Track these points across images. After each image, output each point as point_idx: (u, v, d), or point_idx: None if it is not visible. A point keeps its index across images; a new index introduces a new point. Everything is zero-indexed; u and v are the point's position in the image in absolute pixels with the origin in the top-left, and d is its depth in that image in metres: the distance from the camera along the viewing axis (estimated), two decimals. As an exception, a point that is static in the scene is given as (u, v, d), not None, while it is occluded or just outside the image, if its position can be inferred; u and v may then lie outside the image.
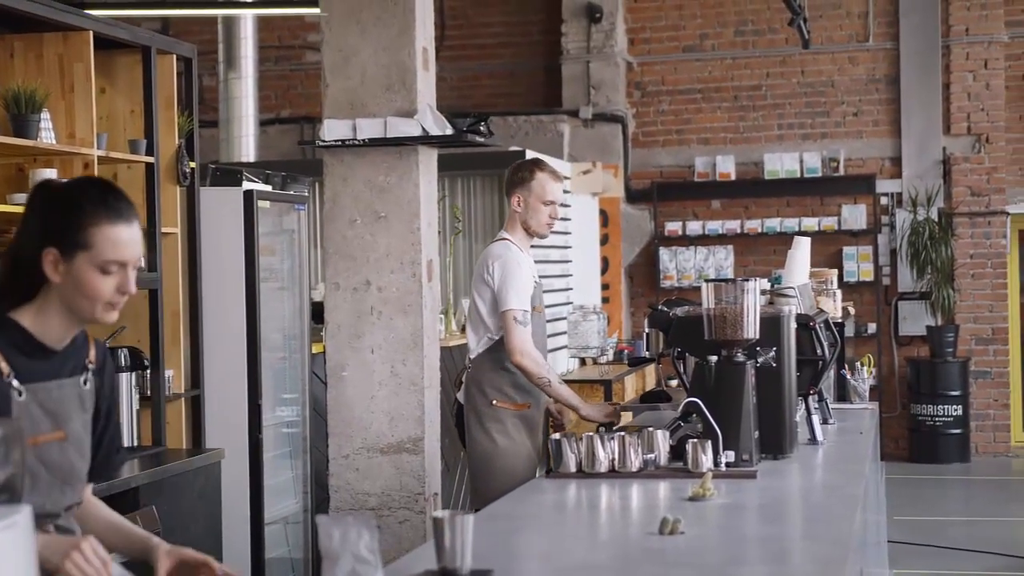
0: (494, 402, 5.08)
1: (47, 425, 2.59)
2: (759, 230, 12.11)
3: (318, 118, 5.38)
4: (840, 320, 6.28)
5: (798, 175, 12.11)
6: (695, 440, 3.97)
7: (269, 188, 6.77)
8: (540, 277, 5.39)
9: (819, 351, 4.78)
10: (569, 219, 10.02)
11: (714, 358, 4.13)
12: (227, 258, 6.13)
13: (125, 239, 2.59)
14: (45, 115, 5.14)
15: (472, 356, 5.14)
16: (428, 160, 5.22)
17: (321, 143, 5.13)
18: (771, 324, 4.28)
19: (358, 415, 5.13)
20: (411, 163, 5.12)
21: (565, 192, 9.21)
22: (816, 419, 4.76)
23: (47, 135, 5.15)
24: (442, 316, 7.85)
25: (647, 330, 5.20)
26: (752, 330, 4.13)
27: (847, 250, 12.01)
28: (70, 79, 5.30)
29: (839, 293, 6.62)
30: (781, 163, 12.13)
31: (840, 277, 10.13)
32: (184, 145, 5.92)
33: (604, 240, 11.79)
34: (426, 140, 5.08)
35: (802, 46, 10.87)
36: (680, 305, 4.75)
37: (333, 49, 5.14)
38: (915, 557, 8.00)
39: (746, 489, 3.81)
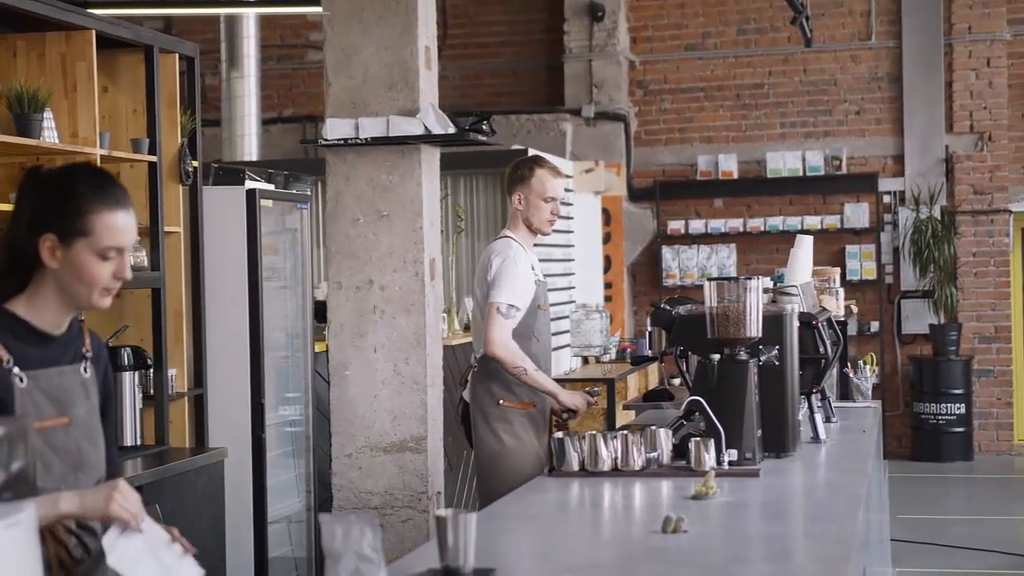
0: (501, 401, 5.08)
1: (51, 411, 2.60)
2: (762, 229, 12.11)
3: (320, 117, 5.38)
4: (843, 318, 6.28)
5: (800, 173, 12.10)
6: (698, 439, 3.97)
7: (272, 187, 6.78)
8: (544, 275, 5.39)
9: (822, 350, 4.78)
10: (572, 218, 10.02)
11: (717, 357, 4.13)
12: (230, 257, 6.13)
13: (123, 225, 2.62)
14: (48, 114, 5.15)
15: (477, 355, 5.13)
16: (431, 159, 5.22)
17: (324, 142, 5.13)
18: (774, 323, 4.28)
19: (361, 414, 5.13)
20: (414, 162, 5.12)
21: (567, 190, 9.23)
22: (819, 417, 4.76)
23: (50, 134, 5.15)
24: (445, 315, 7.85)
25: (650, 329, 5.21)
26: (755, 329, 4.13)
27: (850, 248, 12.00)
28: (73, 78, 5.30)
29: (842, 292, 6.62)
30: (784, 161, 12.13)
31: (843, 276, 10.13)
32: (187, 144, 5.93)
33: (606, 239, 11.79)
34: (429, 139, 5.08)
35: (804, 44, 10.86)
36: (683, 304, 4.74)
37: (335, 48, 5.14)
38: (918, 555, 8.00)
39: (749, 488, 3.81)
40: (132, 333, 5.61)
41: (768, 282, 5.15)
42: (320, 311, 6.19)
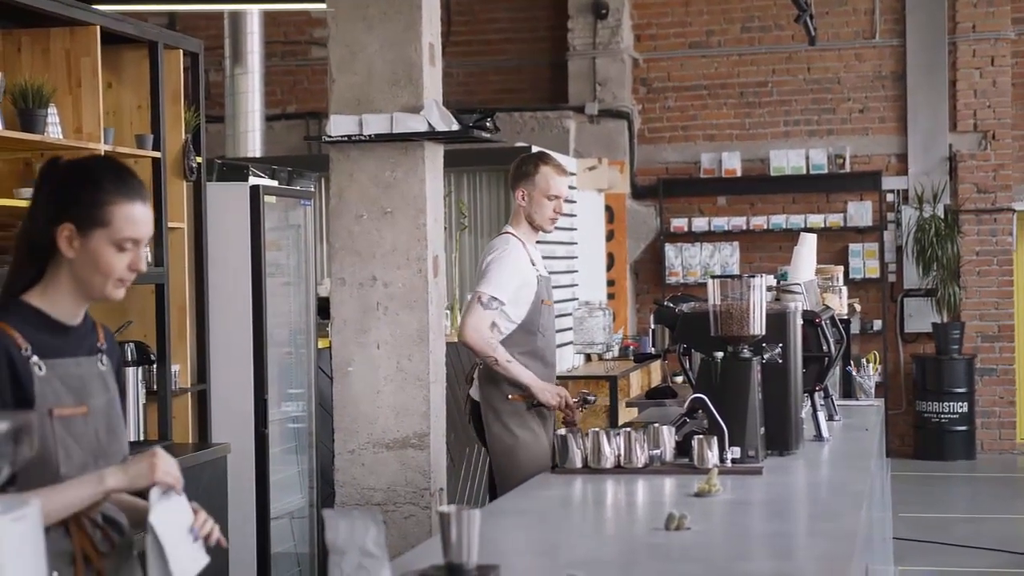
0: (509, 396, 5.08)
1: (70, 400, 2.61)
2: (765, 227, 12.11)
3: (324, 114, 5.38)
4: (846, 317, 6.28)
5: (804, 172, 12.10)
6: (701, 436, 3.97)
7: (275, 183, 6.78)
8: (547, 271, 5.39)
9: (825, 348, 4.78)
10: (575, 215, 10.02)
11: (720, 354, 4.12)
12: (233, 253, 6.14)
13: (140, 217, 2.64)
14: (52, 110, 5.15)
15: (468, 347, 5.14)
16: (434, 156, 5.22)
17: (327, 139, 5.12)
18: (777, 320, 4.28)
19: (364, 410, 5.13)
20: (417, 159, 5.12)
21: (571, 188, 9.22)
22: (822, 415, 4.76)
23: (54, 130, 5.16)
24: (448, 312, 7.85)
25: (653, 326, 5.18)
26: (758, 326, 4.13)
27: (853, 247, 12.00)
28: (77, 74, 5.31)
29: (845, 290, 6.61)
30: (787, 160, 12.12)
31: (846, 274, 10.14)
32: (191, 140, 5.93)
33: (610, 236, 11.79)
34: (432, 136, 5.08)
35: (808, 43, 10.84)
36: (686, 301, 4.75)
37: (340, 45, 5.14)
38: (920, 554, 8.00)
39: (752, 485, 3.81)
40: (135, 328, 5.62)
41: (771, 280, 5.15)
42: (323, 307, 6.19)
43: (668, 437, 4.04)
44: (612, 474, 3.94)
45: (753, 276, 4.17)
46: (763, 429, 4.12)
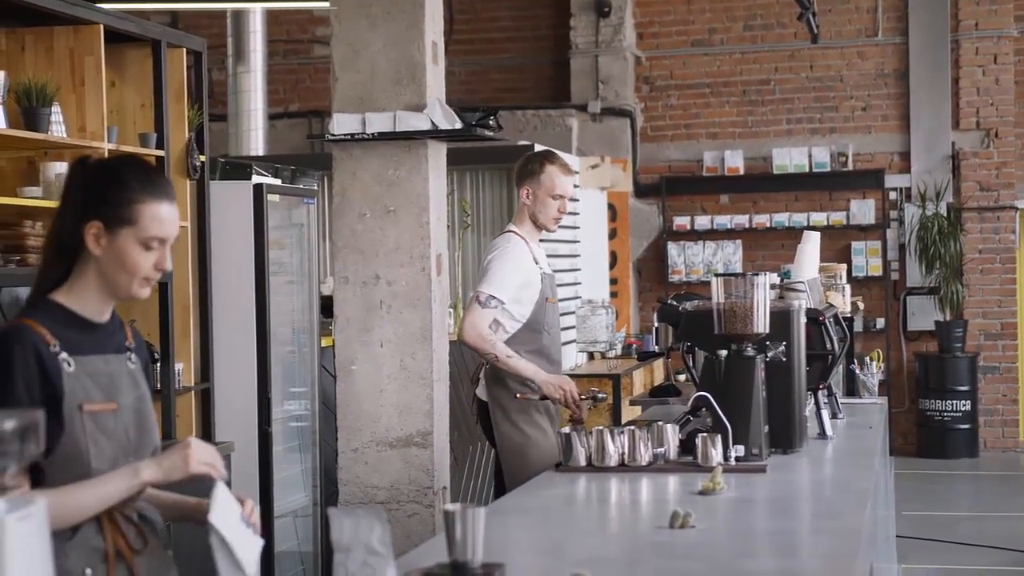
0: (518, 395, 5.07)
1: (100, 396, 2.63)
2: (767, 225, 12.10)
3: (326, 112, 5.39)
4: (849, 315, 6.28)
5: (807, 170, 12.10)
6: (705, 434, 3.97)
7: (278, 182, 6.78)
8: (551, 269, 5.38)
9: (829, 346, 4.78)
10: (577, 213, 10.01)
11: (724, 352, 4.12)
12: (237, 252, 6.14)
13: (167, 217, 2.66)
14: (56, 108, 5.15)
15: (468, 347, 5.13)
16: (437, 154, 5.22)
17: (330, 137, 5.12)
18: (781, 318, 4.28)
19: (367, 409, 5.13)
20: (420, 157, 5.11)
21: (574, 186, 9.21)
22: (825, 414, 4.76)
23: (58, 128, 5.16)
24: (451, 310, 7.85)
25: (656, 324, 5.18)
26: (762, 324, 4.13)
27: (855, 245, 12.00)
28: (80, 72, 5.31)
29: (848, 288, 6.62)
30: (790, 158, 12.12)
31: (848, 272, 10.13)
32: (194, 139, 5.93)
33: (612, 234, 11.79)
34: (435, 134, 5.08)
35: (811, 41, 10.85)
36: (689, 299, 4.75)
37: (343, 43, 5.14)
38: (923, 552, 8.00)
39: (756, 483, 3.81)
40: (139, 327, 5.56)
41: (775, 278, 5.14)
42: (326, 306, 6.19)
43: (672, 435, 4.04)
44: (616, 472, 3.94)
45: (757, 274, 4.17)
46: (767, 427, 4.12)
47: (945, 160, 11.99)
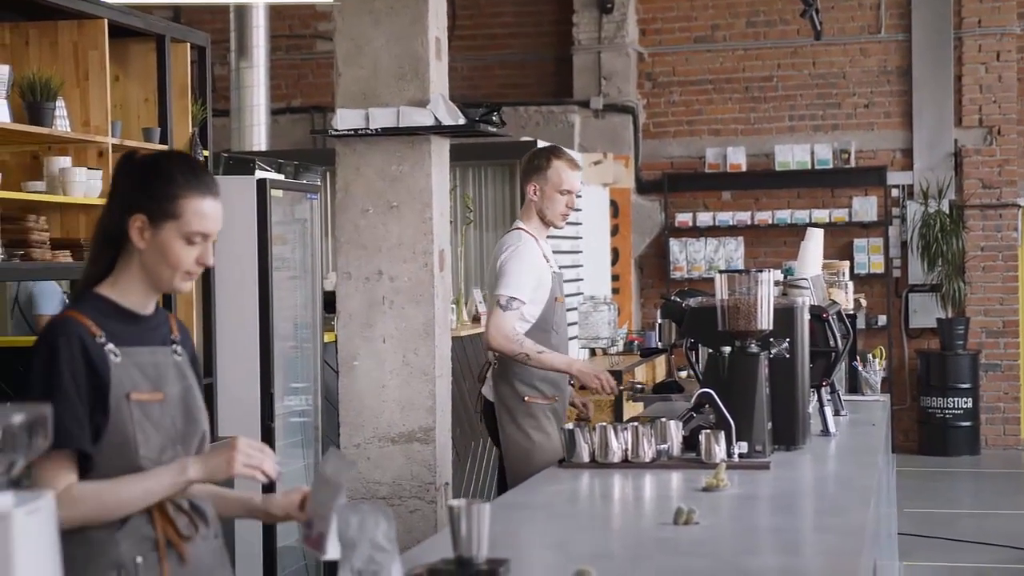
0: (527, 398, 5.03)
1: (146, 387, 2.67)
2: (770, 222, 12.10)
3: (328, 108, 5.39)
4: (852, 312, 6.28)
5: (809, 167, 12.09)
6: (708, 431, 3.97)
7: (281, 177, 6.78)
8: (559, 267, 5.35)
9: (832, 343, 4.78)
10: (580, 209, 9.98)
11: (728, 349, 4.12)
12: (240, 247, 6.13)
13: (211, 213, 2.69)
14: (60, 103, 5.15)
15: (496, 353, 5.08)
16: (440, 150, 5.22)
17: (334, 132, 5.12)
18: (785, 315, 4.28)
19: (369, 404, 5.13)
20: (423, 152, 5.11)
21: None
22: (828, 411, 4.76)
23: (62, 123, 5.16)
24: (453, 306, 7.86)
25: (660, 321, 5.17)
26: (766, 321, 4.13)
27: (858, 242, 11.99)
28: (85, 67, 5.31)
29: (851, 285, 6.62)
30: (792, 155, 12.11)
31: (850, 269, 10.13)
32: (197, 134, 5.93)
33: (614, 231, 11.79)
34: (439, 130, 5.07)
35: (814, 37, 10.85)
36: (693, 296, 4.74)
37: (346, 38, 5.13)
38: (924, 549, 8.00)
39: (759, 480, 3.81)
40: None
41: (778, 275, 5.14)
42: (329, 301, 6.19)
43: (675, 432, 4.04)
44: (619, 468, 3.94)
45: (761, 271, 4.16)
46: (770, 424, 4.12)
47: (947, 157, 11.99)
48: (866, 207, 11.98)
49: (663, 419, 4.08)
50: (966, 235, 11.81)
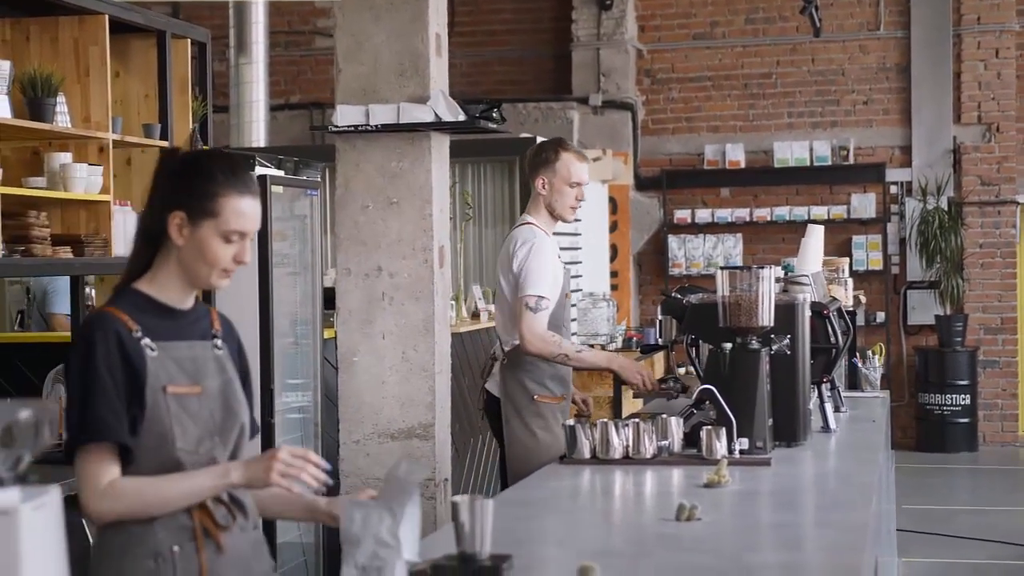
0: (536, 396, 4.99)
1: (184, 380, 2.69)
2: (768, 218, 12.11)
3: (327, 104, 5.38)
4: (851, 309, 6.28)
5: (808, 163, 12.10)
6: (709, 427, 3.97)
7: (281, 173, 6.77)
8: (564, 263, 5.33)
9: (833, 339, 4.78)
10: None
11: (729, 345, 4.13)
12: (239, 243, 6.12)
13: (249, 211, 2.72)
14: (60, 99, 5.15)
15: (507, 348, 5.02)
16: (440, 146, 5.21)
17: (334, 128, 5.12)
18: (786, 312, 4.28)
19: (369, 401, 5.13)
20: (423, 149, 5.11)
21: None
22: (829, 407, 4.77)
23: (62, 119, 5.16)
24: (453, 302, 7.86)
25: (660, 317, 5.17)
26: (767, 318, 4.13)
27: (856, 239, 12.00)
28: (85, 63, 5.31)
29: (850, 282, 6.62)
30: (791, 151, 12.12)
31: (849, 266, 10.13)
32: (198, 130, 5.93)
33: (613, 227, 11.79)
34: (439, 126, 5.07)
35: (813, 34, 10.85)
36: (693, 292, 4.74)
37: (346, 34, 5.13)
38: (922, 545, 8.01)
39: (760, 476, 3.81)
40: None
41: (779, 271, 5.14)
42: (329, 298, 6.19)
43: (676, 428, 4.05)
44: (620, 465, 3.94)
45: (762, 267, 4.17)
46: (771, 420, 4.12)
47: (946, 154, 11.99)
48: (865, 204, 11.99)
49: (664, 415, 4.08)
50: (964, 232, 11.82)
